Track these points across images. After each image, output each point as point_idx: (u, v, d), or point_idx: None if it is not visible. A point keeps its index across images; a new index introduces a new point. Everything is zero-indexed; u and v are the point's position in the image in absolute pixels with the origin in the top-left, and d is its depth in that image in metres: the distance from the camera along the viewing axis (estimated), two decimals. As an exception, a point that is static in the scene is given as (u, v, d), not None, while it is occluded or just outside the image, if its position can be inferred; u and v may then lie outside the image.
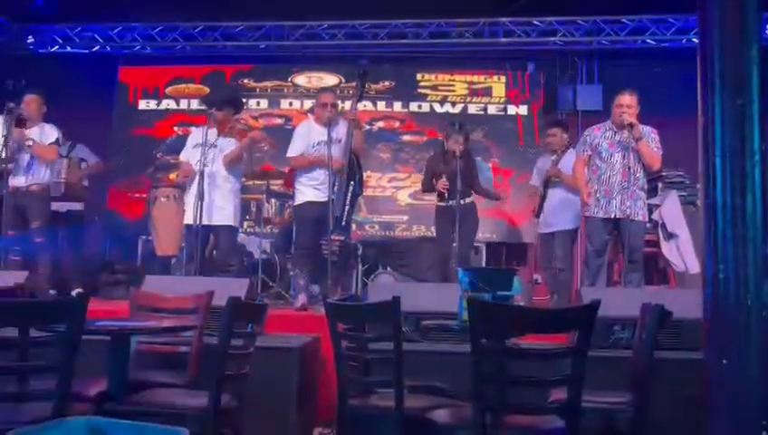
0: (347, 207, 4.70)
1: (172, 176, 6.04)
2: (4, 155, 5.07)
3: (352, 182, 4.73)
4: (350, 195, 4.72)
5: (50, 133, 5.31)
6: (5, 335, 2.44)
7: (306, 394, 3.51)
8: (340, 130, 4.82)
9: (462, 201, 5.19)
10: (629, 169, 4.58)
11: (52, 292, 5.15)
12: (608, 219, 4.65)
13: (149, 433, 1.72)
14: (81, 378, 2.44)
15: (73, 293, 5.37)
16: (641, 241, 4.73)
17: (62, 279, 5.85)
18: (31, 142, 5.18)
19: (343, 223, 4.66)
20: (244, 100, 6.28)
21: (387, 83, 7.73)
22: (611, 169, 4.66)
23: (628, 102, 4.64)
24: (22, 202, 5.21)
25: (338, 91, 6.97)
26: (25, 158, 5.23)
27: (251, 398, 2.72)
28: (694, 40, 6.93)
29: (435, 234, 5.66)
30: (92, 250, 7.04)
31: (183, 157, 5.08)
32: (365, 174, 5.59)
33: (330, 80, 7.78)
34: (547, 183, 5.68)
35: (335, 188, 4.62)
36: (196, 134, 5.06)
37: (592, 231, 4.74)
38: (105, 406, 2.39)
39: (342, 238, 4.62)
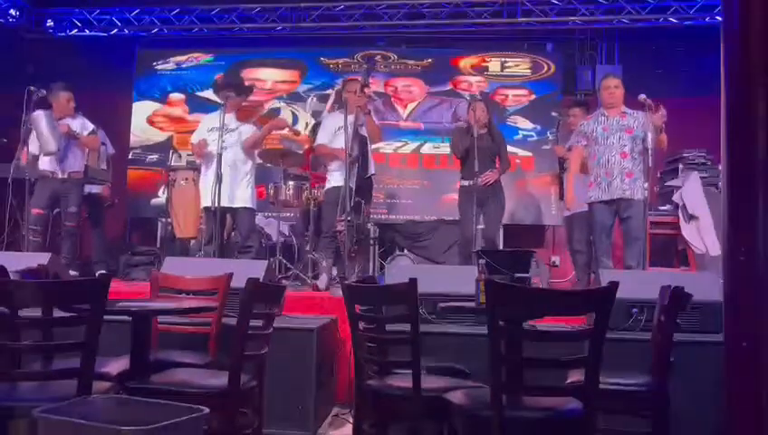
0: (351, 190, 4.74)
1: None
2: (49, 150, 5.17)
3: (357, 165, 4.79)
4: (354, 178, 4.75)
5: (87, 124, 5.57)
6: (30, 315, 2.48)
7: (324, 375, 3.54)
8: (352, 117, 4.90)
9: None
10: (625, 149, 4.62)
11: (74, 273, 5.24)
12: (611, 201, 4.66)
13: (170, 412, 1.75)
14: (104, 357, 2.49)
15: (96, 274, 5.48)
16: (642, 222, 4.70)
17: (85, 261, 5.95)
18: (76, 134, 5.40)
19: (349, 206, 4.70)
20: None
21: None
22: (609, 151, 4.70)
23: (615, 83, 4.79)
24: (60, 189, 5.39)
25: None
26: (63, 147, 5.35)
27: (270, 378, 2.75)
28: (717, 18, 6.78)
29: (459, 215, 5.55)
30: (114, 232, 7.14)
31: (194, 140, 5.15)
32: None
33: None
34: (562, 165, 5.65)
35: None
36: (210, 118, 5.13)
37: (597, 215, 4.74)
38: (127, 385, 2.43)
39: (349, 220, 4.68)
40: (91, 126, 5.59)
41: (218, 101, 5.21)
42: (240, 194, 4.92)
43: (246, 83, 5.43)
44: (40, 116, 5.17)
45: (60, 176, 5.37)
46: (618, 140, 4.68)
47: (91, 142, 5.60)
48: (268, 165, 5.93)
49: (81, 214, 5.57)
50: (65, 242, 5.38)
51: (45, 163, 5.36)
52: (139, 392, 2.20)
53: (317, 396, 3.39)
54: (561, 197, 5.78)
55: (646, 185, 4.62)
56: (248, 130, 4.99)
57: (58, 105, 5.41)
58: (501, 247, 6.47)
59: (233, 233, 5.29)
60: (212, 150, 4.90)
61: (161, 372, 2.59)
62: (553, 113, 7.25)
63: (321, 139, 5.22)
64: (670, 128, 4.75)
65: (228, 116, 4.95)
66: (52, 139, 5.14)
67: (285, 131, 5.61)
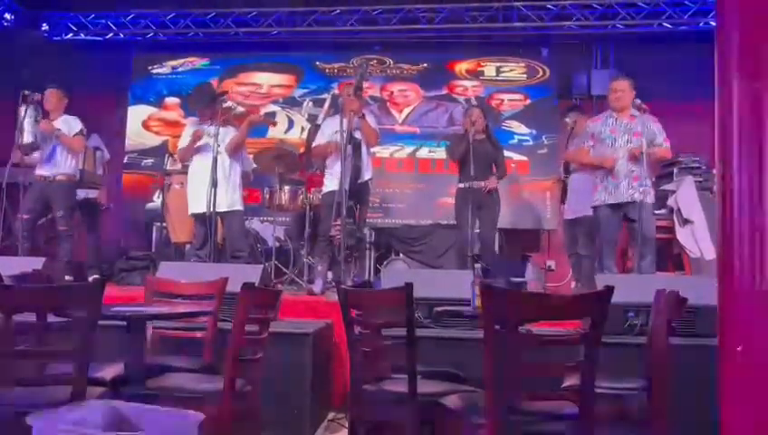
0: (345, 193, 4.75)
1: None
2: (24, 141, 5.13)
3: (351, 167, 4.79)
4: (347, 182, 4.75)
5: (74, 125, 5.43)
6: (24, 320, 2.47)
7: (320, 379, 3.54)
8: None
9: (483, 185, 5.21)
10: (633, 152, 4.55)
11: (68, 278, 5.21)
12: (617, 205, 4.61)
13: (165, 417, 1.74)
14: (98, 362, 2.48)
15: (90, 279, 5.45)
16: (652, 225, 4.68)
17: (79, 265, 5.92)
18: (58, 133, 5.30)
19: (343, 209, 4.71)
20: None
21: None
22: (615, 153, 4.63)
23: (622, 87, 4.70)
24: (47, 191, 5.33)
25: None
26: (50, 148, 5.31)
27: (265, 383, 2.74)
28: (711, 23, 6.82)
29: (455, 219, 5.57)
30: (108, 237, 7.11)
31: (181, 147, 5.15)
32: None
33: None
34: (567, 169, 5.66)
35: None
36: (192, 125, 5.18)
37: (603, 219, 4.69)
38: (121, 390, 2.42)
39: (345, 224, 4.69)
40: (78, 128, 5.43)
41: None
42: (227, 197, 4.92)
43: (218, 90, 5.45)
44: (25, 109, 5.15)
45: (46, 178, 5.31)
46: (625, 143, 4.61)
47: (72, 143, 5.38)
48: (264, 170, 5.92)
49: (72, 217, 5.45)
50: (62, 246, 5.34)
51: (41, 168, 5.32)
52: (134, 398, 2.19)
53: (312, 400, 3.38)
54: (563, 201, 5.78)
55: (651, 190, 4.60)
56: (227, 133, 5.01)
57: (48, 102, 5.36)
58: (497, 252, 6.50)
59: (223, 238, 5.28)
60: (192, 160, 4.98)
61: (156, 377, 2.58)
62: (567, 119, 7.25)
63: (319, 141, 5.21)
64: (666, 131, 4.75)
65: (206, 123, 5.00)
66: (29, 130, 5.08)
67: (270, 129, 5.62)
